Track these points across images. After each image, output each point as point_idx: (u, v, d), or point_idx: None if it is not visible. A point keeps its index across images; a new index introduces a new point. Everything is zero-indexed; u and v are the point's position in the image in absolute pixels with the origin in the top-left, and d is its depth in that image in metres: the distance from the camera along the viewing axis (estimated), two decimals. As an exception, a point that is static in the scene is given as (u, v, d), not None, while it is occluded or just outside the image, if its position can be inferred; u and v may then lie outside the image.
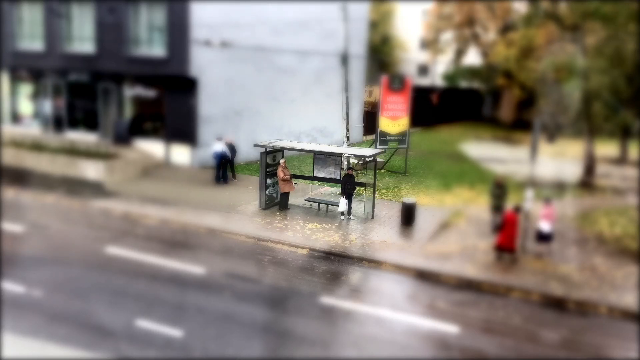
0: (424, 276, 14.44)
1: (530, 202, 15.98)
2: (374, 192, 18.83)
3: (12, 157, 23.28)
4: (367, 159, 19.36)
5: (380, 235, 17.09)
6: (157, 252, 15.43)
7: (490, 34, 33.20)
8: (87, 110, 26.48)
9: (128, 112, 25.79)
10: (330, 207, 19.51)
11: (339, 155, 19.26)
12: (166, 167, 24.42)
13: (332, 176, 19.55)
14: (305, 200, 20.22)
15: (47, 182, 21.65)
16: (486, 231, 17.28)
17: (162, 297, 12.83)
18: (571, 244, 16.66)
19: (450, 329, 11.80)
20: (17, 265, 14.25)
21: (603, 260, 15.48)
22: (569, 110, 22.15)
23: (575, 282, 13.94)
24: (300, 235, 16.89)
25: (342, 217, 18.51)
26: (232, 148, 22.40)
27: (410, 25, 37.07)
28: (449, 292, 13.66)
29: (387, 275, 14.60)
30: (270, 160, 19.57)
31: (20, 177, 22.02)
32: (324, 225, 17.87)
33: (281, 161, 19.41)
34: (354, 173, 19.35)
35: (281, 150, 19.93)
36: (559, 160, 22.99)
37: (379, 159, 22.49)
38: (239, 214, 18.79)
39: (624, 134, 23.32)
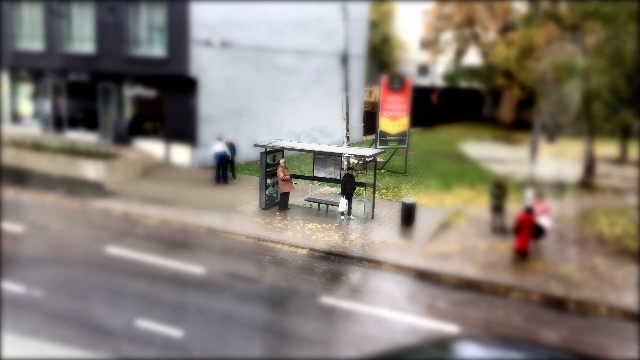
0: (424, 276, 14.44)
1: (530, 202, 15.98)
2: (374, 192, 18.83)
3: (12, 157, 23.27)
4: (367, 159, 19.36)
5: (380, 235, 17.09)
6: (157, 252, 15.43)
7: (490, 34, 33.20)
8: (87, 110, 26.48)
9: (128, 112, 25.79)
10: (330, 207, 19.51)
11: (339, 155, 19.26)
12: (166, 167, 24.41)
13: (332, 176, 19.55)
14: (305, 200, 20.22)
15: (47, 182, 21.64)
16: (486, 231, 17.29)
17: (162, 297, 12.82)
18: (571, 244, 16.66)
19: (450, 329, 11.80)
20: (17, 265, 14.25)
21: (603, 260, 15.47)
22: (569, 110, 22.15)
23: (575, 282, 13.94)
24: (300, 235, 16.89)
25: (342, 217, 18.51)
26: (232, 148, 22.40)
27: (410, 25, 37.07)
28: (449, 292, 13.66)
29: (387, 275, 14.60)
30: (270, 160, 19.57)
31: (20, 177, 22.01)
32: (324, 225, 17.86)
33: (281, 161, 19.41)
34: (354, 173, 19.35)
35: (281, 150, 19.93)
36: (559, 160, 22.99)
37: (379, 159, 22.48)
38: (239, 214, 18.79)
39: (624, 134, 23.31)
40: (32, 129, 27.48)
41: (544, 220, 15.47)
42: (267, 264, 14.96)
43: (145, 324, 11.48)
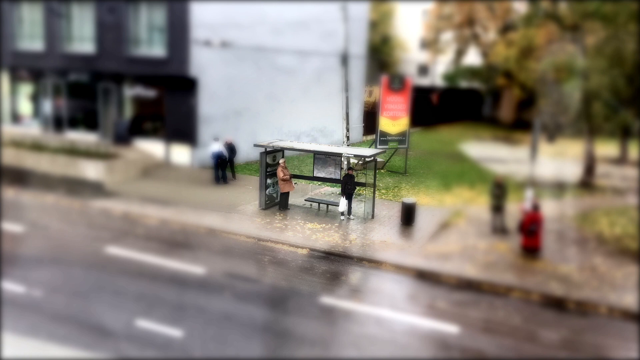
0: (424, 276, 14.44)
1: (529, 202, 15.98)
2: (374, 192, 18.83)
3: (12, 157, 23.28)
4: (367, 159, 19.37)
5: (380, 235, 17.09)
6: (157, 252, 15.43)
7: (490, 34, 33.19)
8: (87, 110, 26.48)
9: (128, 112, 25.79)
10: (330, 207, 19.51)
11: (339, 155, 19.26)
12: (166, 167, 24.41)
13: (332, 176, 19.55)
14: (305, 200, 20.22)
15: (47, 182, 21.65)
16: (486, 231, 17.29)
17: (162, 297, 12.83)
18: (571, 244, 16.66)
19: (450, 329, 11.80)
20: (17, 265, 14.25)
21: (603, 260, 15.48)
22: (569, 110, 22.15)
23: (575, 282, 13.94)
24: (300, 235, 16.89)
25: (342, 217, 18.51)
26: (232, 148, 22.41)
27: (410, 25, 37.06)
28: (449, 292, 13.66)
29: (387, 275, 14.60)
30: (270, 160, 19.57)
31: (20, 177, 22.02)
32: (324, 225, 17.87)
33: (281, 161, 19.40)
34: (354, 173, 19.35)
35: (281, 150, 19.93)
36: (559, 160, 23.00)
37: (379, 159, 22.51)
38: (239, 214, 18.79)
39: (624, 134, 23.31)
40: (32, 129, 27.49)
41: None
42: (267, 264, 14.96)
43: (145, 324, 11.48)
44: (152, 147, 24.77)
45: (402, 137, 24.27)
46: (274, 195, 19.86)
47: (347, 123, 22.06)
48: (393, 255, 15.48)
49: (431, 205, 20.06)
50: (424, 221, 18.23)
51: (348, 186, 18.46)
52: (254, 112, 24.98)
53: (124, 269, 14.26)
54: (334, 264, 15.09)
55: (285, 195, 19.47)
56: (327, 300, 12.93)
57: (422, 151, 27.64)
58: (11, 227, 16.90)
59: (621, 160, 24.46)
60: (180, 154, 24.43)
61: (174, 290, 13.23)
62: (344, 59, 21.48)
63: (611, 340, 11.69)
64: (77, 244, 16.09)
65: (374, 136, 24.90)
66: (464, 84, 34.98)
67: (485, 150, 27.95)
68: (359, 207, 19.27)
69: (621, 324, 12.29)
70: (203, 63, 23.47)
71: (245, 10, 23.90)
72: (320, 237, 16.77)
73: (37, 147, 24.17)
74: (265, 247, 16.12)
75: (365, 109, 29.21)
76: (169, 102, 24.49)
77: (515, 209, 17.09)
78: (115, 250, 15.47)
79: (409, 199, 18.61)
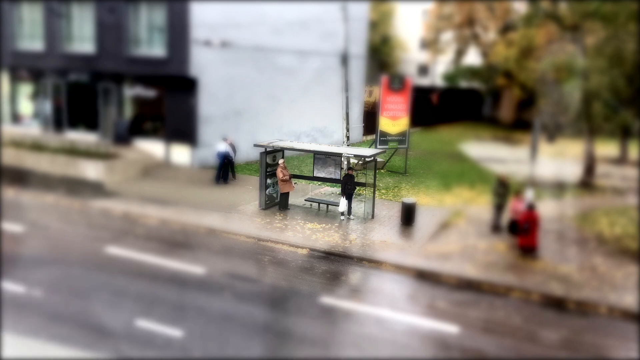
0: (424, 276, 14.44)
1: (529, 200, 15.98)
2: (374, 192, 18.82)
3: (12, 157, 23.27)
4: (367, 159, 19.36)
5: (380, 235, 17.09)
6: (157, 252, 15.43)
7: (490, 34, 33.19)
8: (87, 110, 26.48)
9: (128, 112, 25.79)
10: (330, 207, 19.51)
11: (339, 155, 19.26)
12: (166, 167, 24.41)
13: (332, 176, 19.55)
14: (305, 200, 20.22)
15: (47, 182, 21.64)
16: (486, 231, 17.29)
17: (162, 297, 12.82)
18: (571, 244, 16.66)
19: (450, 329, 11.80)
20: (17, 265, 14.25)
21: (603, 260, 15.48)
22: (569, 110, 22.15)
23: (575, 282, 13.94)
24: (300, 235, 16.89)
25: (342, 217, 18.51)
26: (232, 148, 22.41)
27: (410, 25, 37.06)
28: (449, 292, 13.66)
29: (387, 275, 14.60)
30: (270, 160, 19.57)
31: (20, 177, 22.01)
32: (324, 225, 17.86)
33: (280, 162, 19.40)
34: (354, 173, 19.35)
35: (281, 150, 19.93)
36: (559, 160, 22.99)
37: (379, 159, 22.50)
38: (239, 214, 18.79)
39: (624, 134, 23.32)
40: (32, 129, 27.48)
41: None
42: (267, 264, 14.96)
43: (145, 324, 11.48)
44: (152, 147, 24.77)
45: (402, 137, 24.26)
46: (274, 195, 19.86)
47: (347, 123, 22.06)
48: (393, 255, 15.48)
49: (431, 205, 20.06)
50: (424, 221, 18.23)
51: (348, 186, 18.46)
52: (254, 112, 24.98)
53: (124, 269, 14.26)
54: (334, 264, 15.09)
55: (285, 195, 19.46)
56: (327, 300, 12.93)
57: (422, 151, 27.63)
58: (11, 227, 16.90)
59: (621, 160, 24.46)
60: (180, 154, 24.43)
61: (174, 290, 13.23)
62: (344, 59, 21.48)
63: (611, 341, 11.69)
64: (77, 244, 16.09)
65: (374, 136, 24.90)
66: (464, 84, 34.98)
67: (485, 150, 27.95)
68: (359, 207, 19.27)
69: (621, 324, 12.29)
70: (203, 63, 23.47)
71: (245, 10, 23.90)
72: (320, 237, 16.77)
73: (37, 147, 24.17)
74: (265, 247, 16.12)
75: (365, 109, 29.20)
76: (169, 102, 24.49)
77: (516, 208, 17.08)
78: (115, 250, 15.47)
79: (409, 199, 18.61)
